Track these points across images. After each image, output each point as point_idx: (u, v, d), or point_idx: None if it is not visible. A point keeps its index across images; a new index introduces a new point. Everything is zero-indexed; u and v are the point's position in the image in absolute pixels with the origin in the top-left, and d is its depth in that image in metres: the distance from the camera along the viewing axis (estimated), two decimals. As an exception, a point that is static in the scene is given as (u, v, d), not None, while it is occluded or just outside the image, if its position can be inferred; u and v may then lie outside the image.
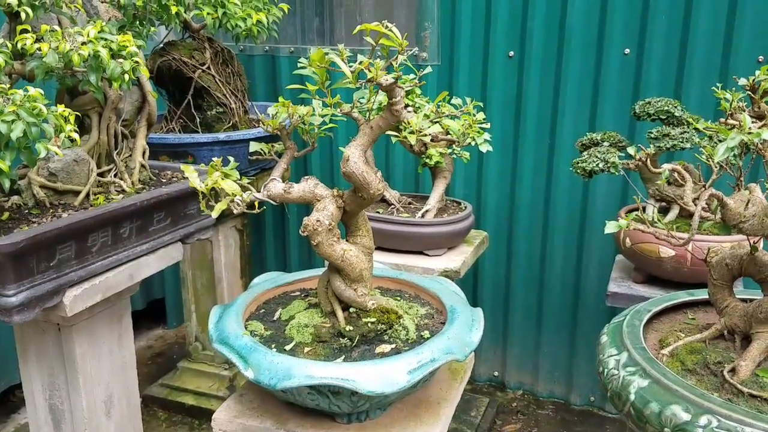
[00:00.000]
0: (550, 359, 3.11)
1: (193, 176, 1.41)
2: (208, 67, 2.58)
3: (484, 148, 2.42)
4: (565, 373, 3.10)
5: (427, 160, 2.42)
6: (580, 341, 3.02)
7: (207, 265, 2.90)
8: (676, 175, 1.46)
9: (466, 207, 2.54)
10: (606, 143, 2.18)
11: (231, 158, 1.45)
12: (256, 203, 1.40)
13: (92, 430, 1.85)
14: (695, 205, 1.19)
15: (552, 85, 2.77)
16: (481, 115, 1.56)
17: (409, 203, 2.59)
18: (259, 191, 2.82)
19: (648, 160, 2.06)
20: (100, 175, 1.77)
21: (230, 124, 2.62)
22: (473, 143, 2.42)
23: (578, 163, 2.11)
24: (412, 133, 1.34)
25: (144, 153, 1.91)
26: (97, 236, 1.60)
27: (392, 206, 2.54)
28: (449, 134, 1.47)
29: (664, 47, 2.58)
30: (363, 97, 1.45)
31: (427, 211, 2.45)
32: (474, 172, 2.99)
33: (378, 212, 2.45)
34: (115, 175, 1.80)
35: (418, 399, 1.53)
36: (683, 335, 1.33)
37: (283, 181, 1.47)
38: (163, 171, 2.01)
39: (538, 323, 3.09)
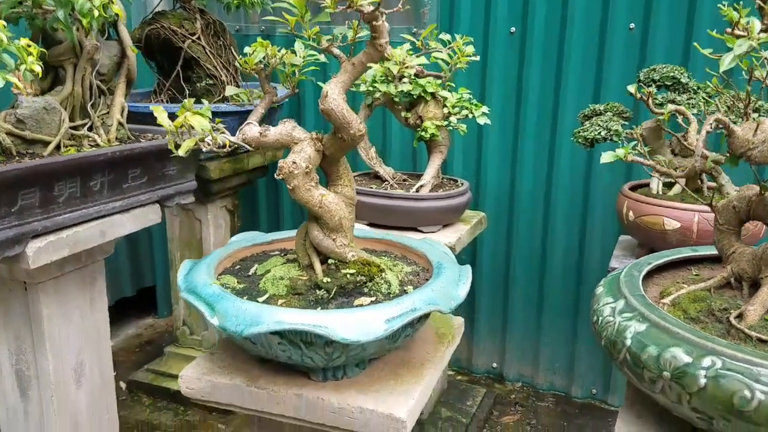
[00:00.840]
0: (550, 350, 2.99)
1: (162, 116, 1.32)
2: (198, 38, 2.50)
3: (482, 120, 2.34)
4: (566, 364, 2.98)
5: (423, 133, 2.33)
6: (582, 331, 2.90)
7: (196, 245, 2.80)
8: (680, 118, 1.36)
9: (463, 184, 2.44)
10: (609, 113, 2.08)
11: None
12: (227, 143, 1.31)
13: (60, 398, 1.75)
14: (698, 140, 1.09)
15: (555, 62, 2.68)
16: (470, 49, 1.46)
17: (404, 180, 2.49)
18: (248, 168, 2.73)
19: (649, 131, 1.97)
20: (74, 128, 1.68)
21: (220, 97, 2.54)
22: (470, 116, 2.35)
23: (579, 132, 2.01)
24: (396, 65, 1.24)
25: (123, 111, 1.83)
26: (64, 185, 1.51)
27: (386, 182, 2.44)
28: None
29: (669, 22, 2.49)
30: (344, 34, 1.36)
31: (421, 186, 2.36)
32: (473, 152, 2.90)
33: (371, 188, 2.36)
34: (89, 129, 1.72)
35: (400, 359, 1.43)
36: (686, 286, 1.22)
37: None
38: (143, 133, 1.93)
39: (538, 312, 2.97)
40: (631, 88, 1.24)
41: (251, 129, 1.35)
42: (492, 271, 3.02)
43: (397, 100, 2.35)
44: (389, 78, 2.29)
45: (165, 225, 2.89)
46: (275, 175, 1.32)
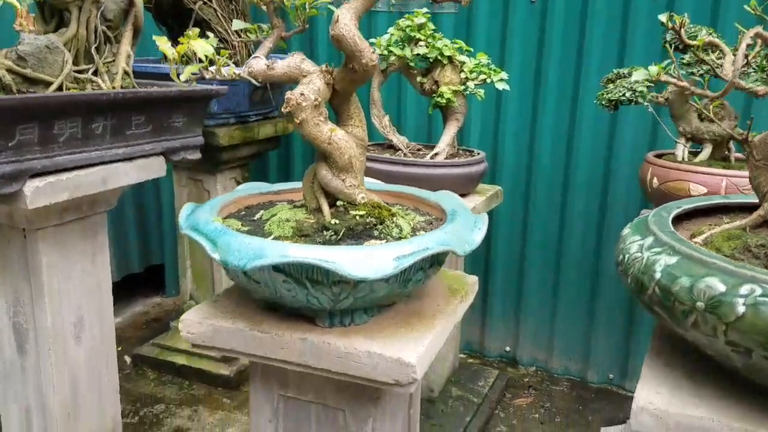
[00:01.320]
0: (566, 333, 2.90)
1: (165, 45, 1.26)
2: (210, 0, 2.45)
3: (501, 86, 2.27)
4: (582, 348, 2.89)
5: (438, 99, 2.26)
6: (599, 314, 2.81)
7: (204, 216, 2.74)
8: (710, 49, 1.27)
9: (479, 153, 2.37)
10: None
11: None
12: (232, 72, 1.24)
13: (58, 354, 1.69)
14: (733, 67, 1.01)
15: (577, 32, 2.60)
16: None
17: (419, 150, 2.42)
18: (258, 137, 2.67)
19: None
20: (78, 72, 1.63)
21: (232, 62, 2.48)
22: (489, 81, 2.27)
23: (603, 94, 1.94)
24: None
25: (129, 59, 1.77)
26: (64, 124, 1.45)
27: (400, 151, 2.37)
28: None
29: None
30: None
31: (436, 153, 2.29)
32: (490, 122, 2.82)
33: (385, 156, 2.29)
34: (94, 75, 1.66)
35: (411, 310, 1.35)
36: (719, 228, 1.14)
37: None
38: (150, 86, 1.87)
39: (554, 293, 2.88)
40: (663, 17, 1.16)
41: (258, 62, 1.29)
42: (507, 251, 2.93)
43: (412, 64, 2.29)
44: (404, 42, 2.23)
45: (173, 198, 2.84)
46: (282, 109, 1.25)
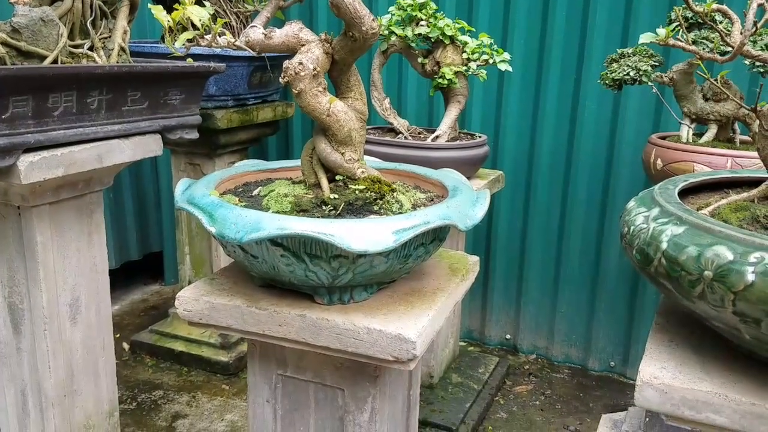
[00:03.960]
0: (567, 321, 2.88)
1: (160, 14, 1.24)
2: (209, -19, 2.42)
3: (503, 66, 2.24)
4: (583, 336, 2.86)
5: (440, 80, 2.23)
6: (600, 301, 2.78)
7: (202, 201, 2.71)
8: (719, 18, 1.25)
9: (480, 137, 2.34)
10: (638, 56, 1.97)
11: None
12: (229, 44, 1.21)
13: (54, 334, 1.67)
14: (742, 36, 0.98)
15: (580, 12, 2.57)
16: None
17: (419, 133, 2.40)
18: (257, 121, 2.65)
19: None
20: (73, 47, 1.60)
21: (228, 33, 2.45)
22: (491, 62, 2.24)
23: (607, 74, 1.91)
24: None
25: (125, 35, 1.74)
26: (59, 98, 1.43)
27: (400, 134, 2.35)
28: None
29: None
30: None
31: (437, 136, 2.26)
32: (492, 104, 2.79)
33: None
34: (89, 50, 1.63)
35: (411, 288, 1.33)
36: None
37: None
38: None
39: (555, 280, 2.86)
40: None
41: (255, 31, 1.26)
42: (508, 239, 2.91)
43: (413, 45, 2.26)
44: (406, 22, 2.20)
45: (171, 185, 2.82)
46: (280, 79, 1.23)
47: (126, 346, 2.92)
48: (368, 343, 1.17)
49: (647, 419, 2.13)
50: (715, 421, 0.93)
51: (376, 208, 1.27)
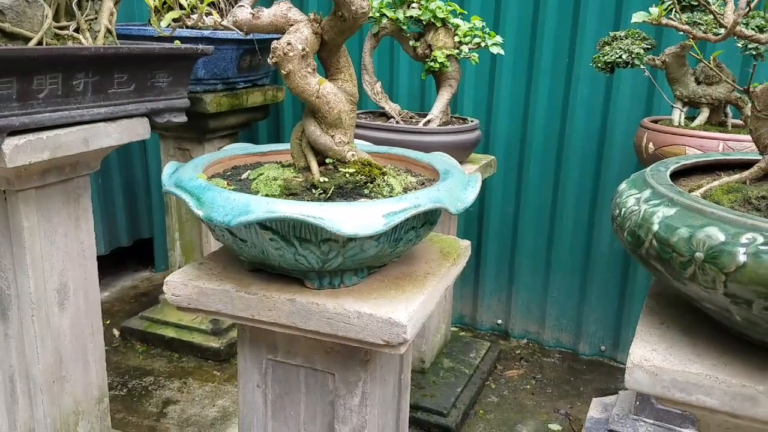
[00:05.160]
0: (558, 306, 2.89)
1: (147, -6, 1.21)
2: (197, -37, 2.38)
3: (495, 50, 2.22)
4: (574, 320, 2.87)
5: (432, 64, 2.21)
6: (591, 286, 2.79)
7: (192, 186, 2.69)
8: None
9: (472, 121, 2.33)
10: (630, 39, 1.96)
11: None
12: (216, 24, 1.19)
13: (42, 320, 1.65)
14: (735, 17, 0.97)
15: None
16: None
17: (411, 118, 2.38)
18: (246, 105, 2.62)
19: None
20: (59, 29, 1.57)
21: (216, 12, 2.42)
22: (483, 45, 2.22)
23: (599, 56, 1.89)
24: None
25: (111, 17, 1.71)
26: (44, 80, 1.40)
27: (392, 119, 2.33)
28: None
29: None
30: None
31: (429, 120, 2.24)
32: (484, 88, 2.78)
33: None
34: (75, 32, 1.61)
35: (401, 272, 1.32)
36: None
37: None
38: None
39: (547, 265, 2.86)
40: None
41: (242, 11, 1.24)
42: (500, 225, 2.91)
43: (405, 28, 2.24)
44: (397, 4, 2.18)
45: (161, 170, 2.79)
46: (268, 59, 1.21)
47: (116, 332, 2.91)
48: (359, 327, 1.16)
49: (637, 402, 2.14)
50: (705, 403, 0.93)
51: (366, 191, 1.26)
